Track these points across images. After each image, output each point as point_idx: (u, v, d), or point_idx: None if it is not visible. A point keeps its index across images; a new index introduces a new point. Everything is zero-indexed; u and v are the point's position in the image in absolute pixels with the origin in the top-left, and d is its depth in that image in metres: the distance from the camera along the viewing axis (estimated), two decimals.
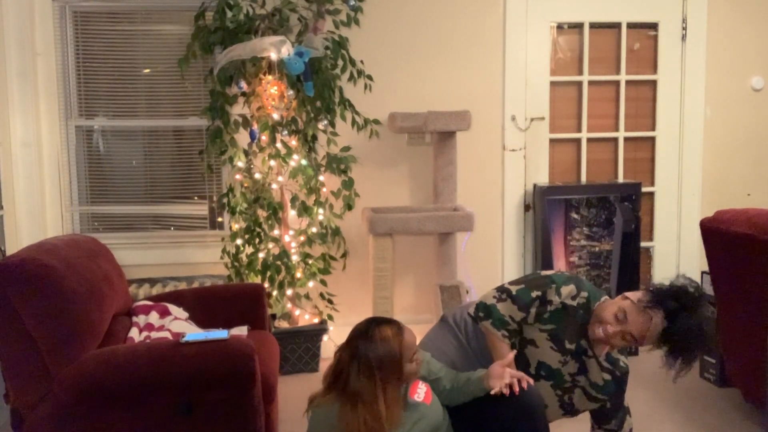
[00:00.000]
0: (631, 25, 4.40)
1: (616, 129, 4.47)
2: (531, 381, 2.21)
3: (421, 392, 2.17)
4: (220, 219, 4.31)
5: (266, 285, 3.68)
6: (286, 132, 3.74)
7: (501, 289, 2.43)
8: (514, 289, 2.40)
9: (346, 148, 3.93)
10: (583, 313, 2.37)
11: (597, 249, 4.33)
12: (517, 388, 2.15)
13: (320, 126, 3.85)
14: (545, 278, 2.42)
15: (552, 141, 4.42)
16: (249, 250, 3.85)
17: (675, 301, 2.24)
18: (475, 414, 2.25)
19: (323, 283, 3.94)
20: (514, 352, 2.30)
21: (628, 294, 2.35)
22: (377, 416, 2.00)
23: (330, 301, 3.98)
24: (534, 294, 2.37)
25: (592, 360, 2.42)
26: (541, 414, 2.27)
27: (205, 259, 4.17)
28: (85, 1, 4.15)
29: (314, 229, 3.89)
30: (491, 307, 2.39)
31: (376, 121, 4.03)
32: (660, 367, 2.28)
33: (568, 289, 2.37)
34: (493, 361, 2.36)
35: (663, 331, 2.25)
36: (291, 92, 3.67)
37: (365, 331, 2.09)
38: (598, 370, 2.43)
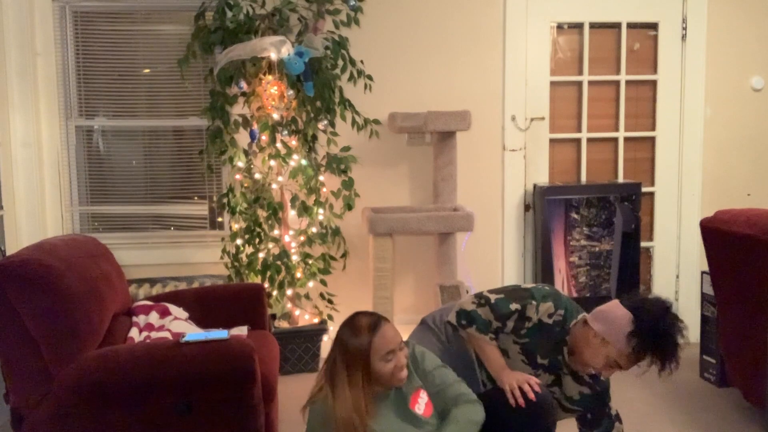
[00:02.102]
0: (631, 25, 4.40)
1: (616, 129, 4.47)
2: (538, 382, 2.23)
3: (421, 403, 2.14)
4: (220, 219, 4.31)
5: (266, 285, 3.68)
6: (286, 132, 3.74)
7: (479, 296, 2.42)
8: (493, 297, 2.39)
9: (346, 148, 3.93)
10: (559, 330, 2.37)
11: (597, 249, 4.33)
12: (522, 401, 2.17)
13: (320, 126, 3.85)
14: (525, 292, 2.41)
15: (552, 141, 4.42)
16: (249, 250, 3.85)
17: (660, 338, 2.19)
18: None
19: (323, 283, 3.94)
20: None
21: (597, 329, 2.26)
22: (346, 404, 2.00)
23: (330, 301, 3.98)
24: (513, 307, 2.36)
25: (567, 376, 2.43)
26: (550, 414, 2.28)
27: (205, 259, 4.17)
28: (85, 1, 4.15)
29: (314, 229, 3.89)
30: (472, 313, 2.38)
31: (376, 121, 4.03)
32: (642, 374, 2.29)
33: (545, 307, 2.36)
34: (483, 365, 2.40)
35: (652, 359, 2.23)
36: (291, 92, 3.67)
37: (348, 319, 2.13)
38: (574, 385, 2.43)
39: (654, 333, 2.18)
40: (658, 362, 2.21)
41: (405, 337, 2.34)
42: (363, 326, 2.07)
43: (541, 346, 2.39)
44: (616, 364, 2.26)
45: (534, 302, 2.36)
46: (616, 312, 2.27)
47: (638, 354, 2.21)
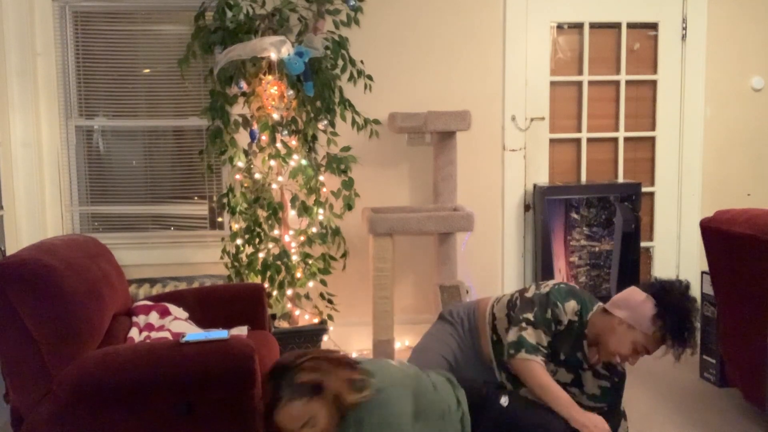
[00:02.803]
0: (631, 25, 4.40)
1: (616, 129, 4.47)
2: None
3: None
4: (220, 219, 4.31)
5: (266, 285, 3.67)
6: (286, 132, 3.74)
7: (516, 322, 2.40)
8: (529, 315, 2.37)
9: (346, 148, 3.92)
10: (578, 325, 2.37)
11: (597, 249, 4.33)
12: None
13: (320, 126, 3.84)
14: (546, 298, 2.40)
15: (552, 141, 4.42)
16: (249, 250, 3.85)
17: (684, 317, 2.25)
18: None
19: (323, 283, 3.93)
20: None
21: (621, 316, 2.31)
22: None
23: (330, 301, 3.98)
24: (548, 315, 2.36)
25: (587, 372, 2.42)
26: None
27: (205, 259, 4.17)
28: (85, 1, 4.15)
29: (314, 229, 3.89)
30: (519, 337, 2.35)
31: (376, 121, 4.03)
32: (662, 356, 2.31)
33: (570, 305, 2.38)
34: (502, 366, 2.39)
35: (674, 341, 2.27)
36: (291, 92, 3.67)
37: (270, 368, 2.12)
38: (594, 381, 2.43)
39: (678, 312, 2.24)
40: (679, 343, 2.25)
41: (407, 338, 2.34)
42: (264, 396, 2.04)
43: (561, 342, 2.39)
44: (644, 349, 2.29)
45: (560, 304, 2.37)
46: (637, 297, 2.31)
47: (663, 335, 2.26)
